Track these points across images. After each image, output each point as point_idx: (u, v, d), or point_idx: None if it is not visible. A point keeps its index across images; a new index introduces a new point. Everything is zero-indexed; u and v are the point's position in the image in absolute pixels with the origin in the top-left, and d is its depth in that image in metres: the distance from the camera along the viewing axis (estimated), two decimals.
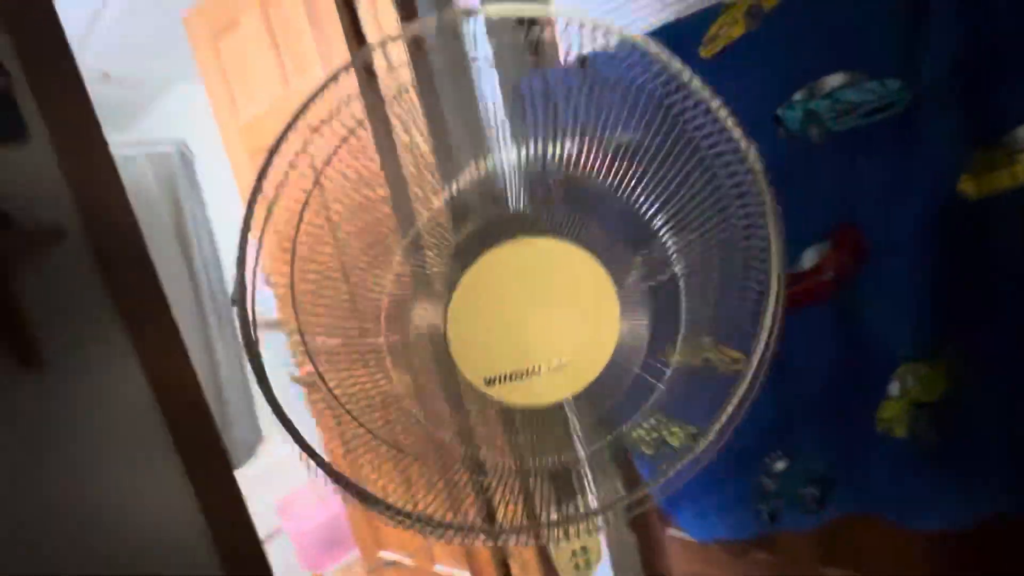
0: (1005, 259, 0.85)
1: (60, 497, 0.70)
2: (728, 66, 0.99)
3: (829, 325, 1.02)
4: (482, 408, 0.47)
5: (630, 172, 0.54)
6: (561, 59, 1.31)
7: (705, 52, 1.01)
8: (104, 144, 0.68)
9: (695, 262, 0.55)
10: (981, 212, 0.84)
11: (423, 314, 0.47)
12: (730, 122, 0.53)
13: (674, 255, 0.52)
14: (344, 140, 0.54)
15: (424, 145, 0.55)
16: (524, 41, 0.53)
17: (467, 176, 0.47)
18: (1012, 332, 0.86)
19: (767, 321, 0.56)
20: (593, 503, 0.56)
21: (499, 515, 0.50)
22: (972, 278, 0.87)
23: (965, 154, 0.83)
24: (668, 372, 0.63)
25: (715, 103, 0.54)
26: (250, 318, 0.46)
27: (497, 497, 0.49)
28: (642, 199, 0.52)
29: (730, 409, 0.59)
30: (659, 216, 0.53)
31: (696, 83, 0.54)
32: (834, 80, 0.90)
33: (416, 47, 0.52)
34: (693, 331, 0.65)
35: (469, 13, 0.53)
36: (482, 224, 0.45)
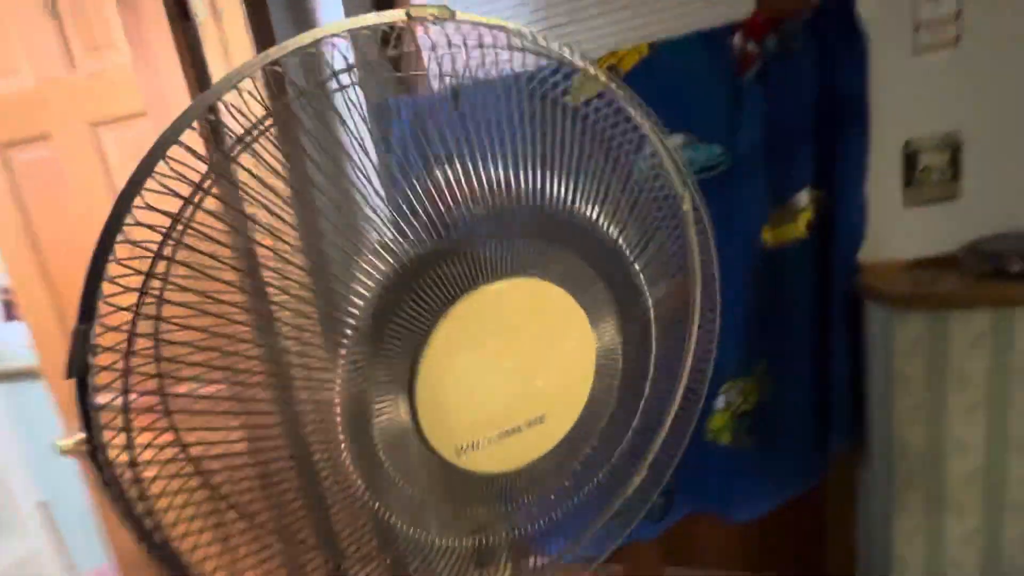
0: (791, 294, 1.08)
1: None
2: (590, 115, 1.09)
3: None
4: (438, 479, 0.39)
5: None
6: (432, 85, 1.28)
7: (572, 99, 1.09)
8: None
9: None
10: (778, 257, 1.06)
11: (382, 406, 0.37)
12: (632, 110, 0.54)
13: (641, 270, 0.52)
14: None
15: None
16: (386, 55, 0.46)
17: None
18: (796, 352, 1.10)
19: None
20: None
21: None
22: (770, 309, 1.09)
23: (765, 211, 1.05)
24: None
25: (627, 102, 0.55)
26: (92, 401, 0.30)
27: None
28: (597, 213, 0.50)
29: (651, 457, 0.60)
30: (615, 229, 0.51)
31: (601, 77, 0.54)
32: (676, 139, 1.06)
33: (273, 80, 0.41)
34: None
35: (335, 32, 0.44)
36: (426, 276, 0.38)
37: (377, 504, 0.37)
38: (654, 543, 1.45)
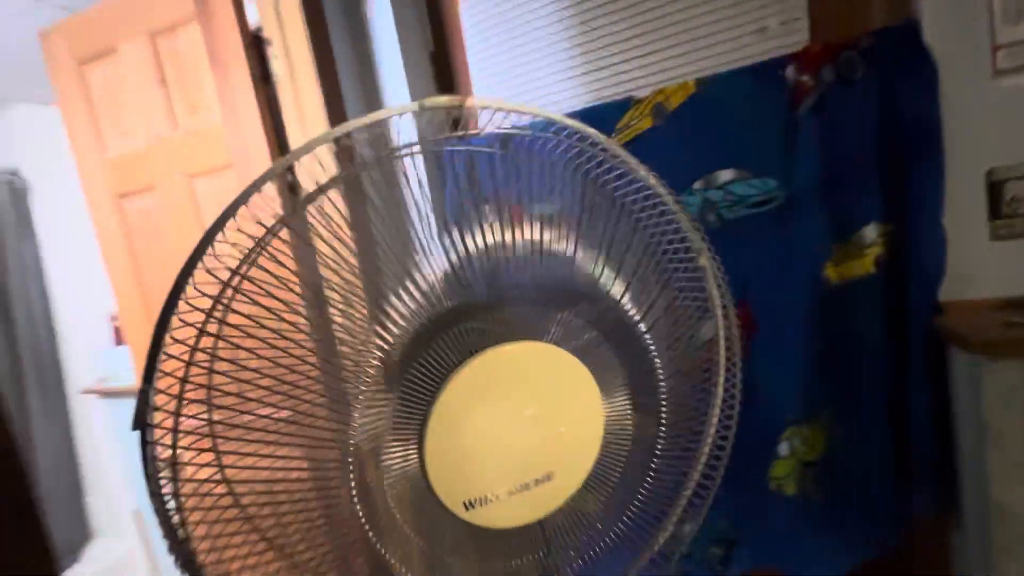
0: (858, 334, 1.00)
1: None
2: (638, 153, 1.07)
3: None
4: (453, 538, 0.41)
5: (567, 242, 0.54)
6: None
7: (617, 139, 1.10)
8: None
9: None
10: (840, 294, 0.99)
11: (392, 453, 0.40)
12: (654, 181, 0.55)
13: (650, 340, 0.52)
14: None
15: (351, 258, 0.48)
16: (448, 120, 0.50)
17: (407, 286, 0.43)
18: (867, 397, 1.01)
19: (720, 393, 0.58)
20: None
21: None
22: (836, 350, 1.01)
23: (827, 246, 0.99)
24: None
25: (642, 171, 0.56)
26: (152, 452, 0.35)
27: None
28: (609, 281, 0.51)
29: (687, 493, 0.58)
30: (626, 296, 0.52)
31: (622, 152, 0.56)
32: (726, 175, 1.04)
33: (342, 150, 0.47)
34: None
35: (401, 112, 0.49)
36: (441, 339, 0.40)
37: (384, 551, 0.39)
38: None
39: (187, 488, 0.36)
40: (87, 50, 1.26)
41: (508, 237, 0.55)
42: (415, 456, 0.38)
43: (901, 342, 0.98)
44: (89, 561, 2.01)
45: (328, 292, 0.45)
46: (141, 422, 0.35)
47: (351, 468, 0.38)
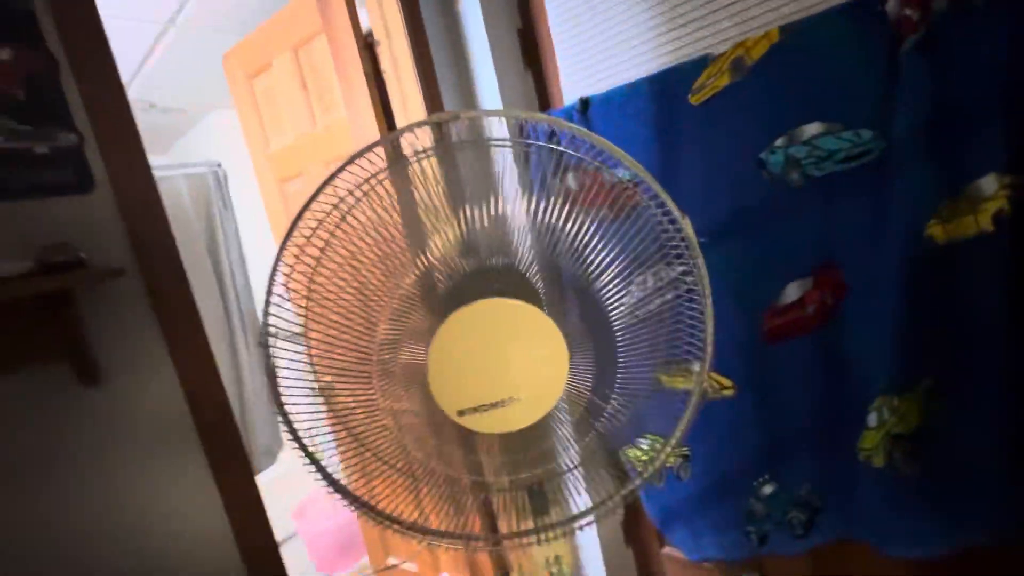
0: (971, 299, 0.89)
1: (102, 496, 0.80)
2: (715, 112, 1.07)
3: (812, 357, 1.08)
4: (461, 433, 0.55)
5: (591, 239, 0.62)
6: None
7: (694, 99, 1.08)
8: (157, 195, 0.79)
9: (636, 312, 0.62)
10: (948, 255, 0.89)
11: (412, 352, 0.56)
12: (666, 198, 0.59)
13: (614, 305, 0.59)
14: (365, 195, 0.62)
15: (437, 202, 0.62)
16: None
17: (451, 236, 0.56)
18: (980, 369, 0.90)
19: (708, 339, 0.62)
20: (571, 510, 0.63)
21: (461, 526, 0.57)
22: (942, 316, 0.92)
23: (932, 202, 0.89)
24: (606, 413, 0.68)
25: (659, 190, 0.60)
26: (271, 359, 0.54)
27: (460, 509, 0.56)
28: (599, 256, 0.59)
29: (683, 425, 0.65)
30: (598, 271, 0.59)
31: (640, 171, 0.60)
32: (812, 128, 0.97)
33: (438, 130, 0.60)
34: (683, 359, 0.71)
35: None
36: (454, 286, 0.53)
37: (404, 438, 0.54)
38: (800, 566, 1.34)
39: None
40: (252, 66, 1.59)
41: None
42: (423, 361, 0.53)
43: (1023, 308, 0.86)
44: (281, 463, 2.64)
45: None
46: (264, 342, 0.54)
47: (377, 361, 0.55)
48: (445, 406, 0.52)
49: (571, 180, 0.68)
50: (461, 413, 0.51)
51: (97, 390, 0.76)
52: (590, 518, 0.61)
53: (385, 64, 1.32)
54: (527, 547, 0.59)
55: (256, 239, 2.67)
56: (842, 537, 1.15)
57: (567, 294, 0.57)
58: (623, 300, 0.57)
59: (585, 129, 0.63)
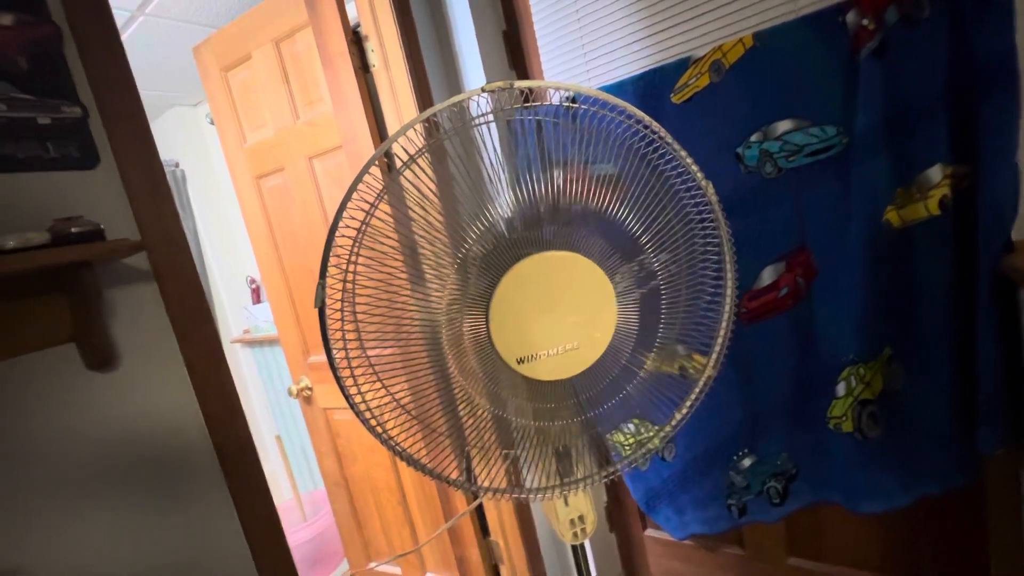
0: (922, 275, 1.02)
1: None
2: (696, 110, 1.16)
3: (786, 335, 1.18)
4: (512, 383, 0.57)
5: (616, 197, 0.67)
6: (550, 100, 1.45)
7: (676, 98, 1.17)
8: (163, 174, 0.77)
9: (672, 275, 0.67)
10: (903, 238, 1.01)
11: (468, 314, 0.58)
12: (689, 161, 0.66)
13: (657, 268, 0.65)
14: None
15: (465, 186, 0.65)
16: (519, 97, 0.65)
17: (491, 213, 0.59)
18: (930, 337, 1.02)
19: (723, 327, 0.69)
20: (590, 469, 0.67)
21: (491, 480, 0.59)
22: (898, 291, 1.03)
23: (888, 190, 1.00)
24: (640, 376, 0.74)
25: (681, 150, 0.67)
26: (326, 324, 0.55)
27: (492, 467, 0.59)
28: (630, 220, 0.64)
29: (687, 407, 0.70)
30: (644, 234, 0.65)
31: (664, 133, 0.67)
32: (784, 125, 1.07)
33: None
34: (669, 340, 0.78)
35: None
36: (505, 245, 0.57)
37: (472, 395, 0.57)
38: (778, 534, 1.44)
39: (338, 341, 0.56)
40: (228, 59, 1.55)
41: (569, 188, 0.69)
42: (483, 324, 0.55)
43: (968, 282, 0.98)
44: None
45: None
46: (321, 303, 0.54)
47: (441, 327, 0.57)
48: (506, 356, 0.55)
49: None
50: (520, 362, 0.54)
51: (114, 376, 0.71)
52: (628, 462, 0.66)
53: (373, 58, 1.33)
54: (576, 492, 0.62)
55: (217, 239, 2.56)
56: (813, 501, 1.25)
57: (613, 254, 0.61)
58: (661, 258, 0.62)
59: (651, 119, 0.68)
